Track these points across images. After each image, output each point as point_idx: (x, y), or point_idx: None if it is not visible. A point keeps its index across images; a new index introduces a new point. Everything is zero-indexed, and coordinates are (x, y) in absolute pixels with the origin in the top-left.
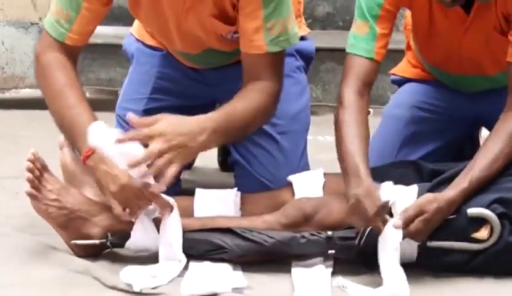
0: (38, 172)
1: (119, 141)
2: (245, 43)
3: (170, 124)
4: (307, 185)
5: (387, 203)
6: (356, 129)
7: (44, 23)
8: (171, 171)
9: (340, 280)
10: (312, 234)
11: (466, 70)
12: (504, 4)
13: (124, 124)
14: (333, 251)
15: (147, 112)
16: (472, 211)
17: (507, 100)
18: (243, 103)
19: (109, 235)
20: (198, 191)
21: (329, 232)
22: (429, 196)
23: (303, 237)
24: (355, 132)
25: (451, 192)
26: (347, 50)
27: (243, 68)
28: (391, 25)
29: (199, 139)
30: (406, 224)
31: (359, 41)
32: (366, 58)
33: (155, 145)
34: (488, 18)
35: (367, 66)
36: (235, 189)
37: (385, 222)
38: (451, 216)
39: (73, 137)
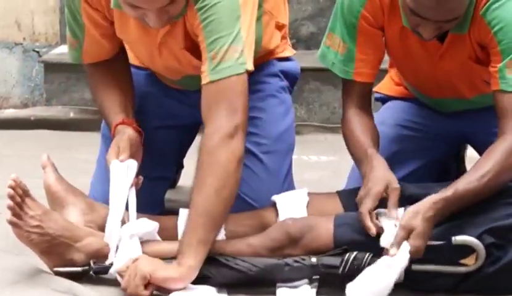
0: (19, 198)
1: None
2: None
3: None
4: (291, 205)
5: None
6: (361, 127)
7: None
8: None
9: None
10: (296, 261)
11: (444, 93)
12: (478, 35)
13: (109, 143)
14: (317, 277)
15: None
16: (459, 238)
17: (499, 125)
18: (204, 193)
19: (91, 263)
20: (182, 211)
21: (313, 259)
22: (409, 212)
23: (287, 264)
24: (361, 130)
25: (434, 197)
26: (329, 67)
27: (201, 110)
28: (373, 44)
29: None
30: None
31: (339, 60)
32: (350, 80)
33: None
34: (462, 48)
35: (354, 85)
36: None
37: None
38: (440, 242)
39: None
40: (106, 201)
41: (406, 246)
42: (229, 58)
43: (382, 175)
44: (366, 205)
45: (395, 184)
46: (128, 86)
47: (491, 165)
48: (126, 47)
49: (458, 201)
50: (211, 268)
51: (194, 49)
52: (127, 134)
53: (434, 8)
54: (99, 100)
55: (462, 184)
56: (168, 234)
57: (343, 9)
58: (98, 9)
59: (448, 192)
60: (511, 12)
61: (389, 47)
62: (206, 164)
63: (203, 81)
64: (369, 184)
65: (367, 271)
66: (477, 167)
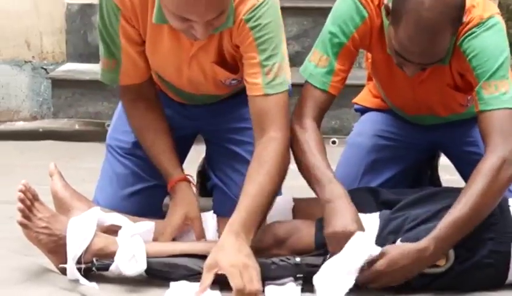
0: (29, 201)
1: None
2: (248, 87)
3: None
4: (278, 210)
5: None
6: (316, 145)
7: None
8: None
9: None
10: (282, 260)
11: (421, 111)
12: (458, 64)
13: (114, 153)
14: (301, 275)
15: (136, 144)
16: None
17: (484, 143)
18: (258, 184)
19: (94, 260)
20: None
21: (298, 259)
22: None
23: (273, 263)
24: (316, 148)
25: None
26: (306, 78)
27: (251, 115)
28: (350, 62)
29: (242, 250)
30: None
31: (318, 72)
32: (322, 90)
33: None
34: (442, 76)
35: (322, 97)
36: (212, 211)
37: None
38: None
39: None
40: (108, 207)
41: (364, 238)
42: (280, 75)
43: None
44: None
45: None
46: (170, 129)
47: (479, 186)
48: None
49: (448, 233)
50: (203, 264)
51: (223, 64)
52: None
53: (419, 54)
54: (150, 144)
55: (449, 218)
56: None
57: (335, 26)
58: (135, 26)
59: (436, 230)
60: (483, 41)
61: (375, 67)
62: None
63: (256, 92)
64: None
65: (329, 261)
66: (465, 191)
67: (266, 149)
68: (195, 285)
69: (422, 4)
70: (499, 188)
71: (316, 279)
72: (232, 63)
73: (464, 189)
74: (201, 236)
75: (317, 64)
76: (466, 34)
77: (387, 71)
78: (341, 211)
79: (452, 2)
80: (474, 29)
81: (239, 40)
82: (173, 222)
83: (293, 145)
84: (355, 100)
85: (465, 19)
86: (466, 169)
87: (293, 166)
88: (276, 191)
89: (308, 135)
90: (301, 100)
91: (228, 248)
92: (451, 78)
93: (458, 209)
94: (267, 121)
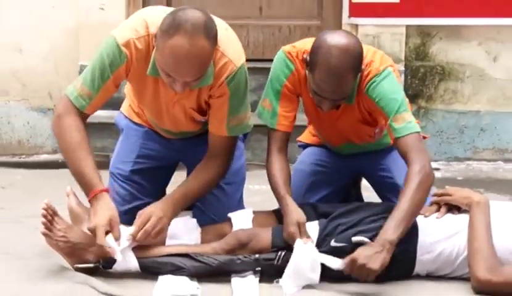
0: (50, 216)
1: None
2: (212, 126)
3: (150, 211)
4: (241, 220)
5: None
6: (281, 173)
7: (67, 93)
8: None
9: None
10: (245, 257)
11: (340, 141)
12: (366, 105)
13: (115, 178)
14: (259, 268)
15: (133, 171)
16: (355, 238)
17: (406, 161)
18: (199, 181)
19: (101, 260)
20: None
21: (257, 255)
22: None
23: (238, 259)
24: (280, 175)
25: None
26: (261, 121)
27: (209, 144)
28: (292, 104)
29: (168, 213)
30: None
31: (267, 115)
32: (273, 129)
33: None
34: (353, 113)
35: (277, 134)
36: (191, 214)
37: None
38: (344, 244)
39: (80, 182)
40: None
41: (305, 245)
42: (243, 122)
43: (295, 210)
44: (290, 229)
45: (303, 220)
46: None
47: (411, 193)
48: (129, 106)
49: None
50: (185, 261)
51: (197, 110)
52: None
53: (330, 92)
54: (80, 158)
55: (397, 214)
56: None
57: (272, 80)
58: (127, 74)
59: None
60: (383, 88)
61: (306, 108)
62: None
63: (220, 133)
64: (287, 218)
65: (289, 264)
66: (403, 193)
67: (212, 167)
68: (179, 278)
69: (330, 55)
70: (425, 187)
71: (282, 280)
72: (205, 108)
73: (401, 192)
74: (119, 238)
75: (266, 108)
76: (369, 83)
77: (314, 111)
78: (292, 211)
79: (353, 53)
80: (374, 79)
81: (217, 94)
82: (101, 222)
83: (268, 176)
84: (298, 139)
85: (366, 71)
86: (380, 188)
87: (251, 186)
88: (202, 192)
89: (274, 168)
90: (267, 139)
91: (157, 205)
92: (360, 114)
93: (403, 205)
94: (220, 153)
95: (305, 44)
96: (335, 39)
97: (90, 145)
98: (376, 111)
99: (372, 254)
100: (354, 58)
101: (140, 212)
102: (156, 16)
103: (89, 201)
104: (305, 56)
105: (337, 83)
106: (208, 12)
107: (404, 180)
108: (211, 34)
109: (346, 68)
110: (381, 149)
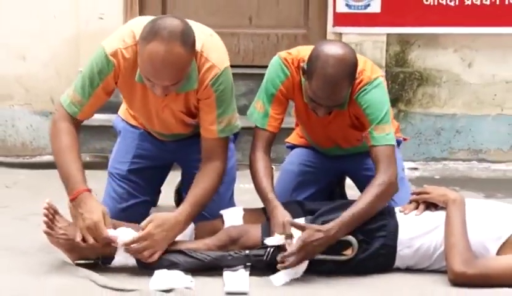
0: (51, 215)
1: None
2: (203, 130)
3: (156, 226)
4: (232, 217)
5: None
6: (264, 171)
7: (61, 100)
8: (154, 256)
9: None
10: (236, 252)
11: (329, 144)
12: (355, 110)
13: (114, 178)
14: (250, 264)
15: (130, 171)
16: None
17: (375, 169)
18: (202, 189)
19: (100, 257)
20: None
21: (247, 251)
22: (309, 231)
23: (229, 254)
24: (264, 173)
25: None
26: (251, 121)
27: (202, 149)
28: (282, 108)
29: (176, 229)
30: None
31: (258, 116)
32: (263, 129)
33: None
34: (343, 118)
35: (265, 134)
36: None
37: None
38: None
39: (66, 183)
40: (109, 217)
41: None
42: (231, 123)
43: (283, 214)
44: (278, 230)
45: (288, 221)
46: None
47: (368, 199)
48: (126, 110)
49: (352, 222)
50: (180, 257)
51: (187, 113)
52: (99, 208)
53: (326, 98)
54: (64, 163)
55: (349, 212)
56: None
57: (267, 83)
58: (116, 82)
59: (344, 217)
60: (372, 97)
61: (297, 112)
62: None
63: (211, 136)
64: (274, 220)
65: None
66: (359, 202)
67: (211, 170)
68: (174, 272)
69: (327, 63)
70: (383, 197)
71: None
72: (194, 111)
73: (360, 195)
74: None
75: (257, 109)
76: (360, 90)
77: (306, 115)
78: (277, 214)
79: (349, 63)
80: (365, 87)
81: (203, 97)
82: (98, 218)
83: (250, 171)
84: (286, 140)
85: (359, 79)
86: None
87: (242, 185)
88: (209, 197)
89: (258, 165)
90: (254, 137)
91: (164, 224)
92: (350, 119)
93: (356, 206)
94: (215, 155)
95: (299, 51)
96: (332, 49)
97: (80, 150)
98: (363, 117)
99: (318, 239)
100: (349, 68)
101: (151, 217)
102: (143, 27)
103: (71, 200)
104: (302, 64)
105: (333, 90)
106: (187, 20)
107: (366, 186)
108: (188, 42)
109: (342, 76)
110: (365, 151)
